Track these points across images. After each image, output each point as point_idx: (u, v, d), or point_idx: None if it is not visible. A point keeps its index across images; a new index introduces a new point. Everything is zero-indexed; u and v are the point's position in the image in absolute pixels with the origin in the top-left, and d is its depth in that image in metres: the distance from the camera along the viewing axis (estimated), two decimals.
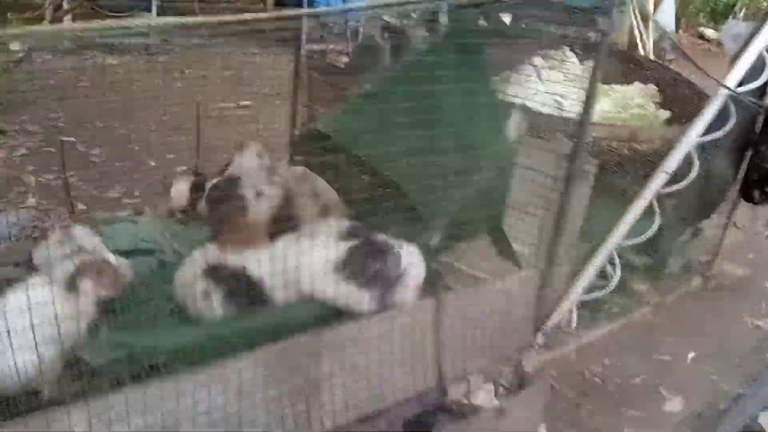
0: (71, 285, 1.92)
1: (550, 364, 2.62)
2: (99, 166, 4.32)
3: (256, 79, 3.65)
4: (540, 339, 2.58)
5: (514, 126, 2.34)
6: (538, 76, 2.73)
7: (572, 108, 2.52)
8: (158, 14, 7.00)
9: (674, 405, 2.56)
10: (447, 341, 2.27)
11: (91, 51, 6.58)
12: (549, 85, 2.55)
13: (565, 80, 2.52)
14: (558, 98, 2.59)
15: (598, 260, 2.61)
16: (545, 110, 2.52)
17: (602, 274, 2.73)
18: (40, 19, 5.17)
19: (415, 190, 2.02)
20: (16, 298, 1.79)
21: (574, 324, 2.74)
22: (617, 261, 2.71)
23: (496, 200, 2.36)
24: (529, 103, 2.48)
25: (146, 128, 3.64)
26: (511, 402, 2.45)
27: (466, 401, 2.34)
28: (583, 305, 2.78)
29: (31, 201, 4.36)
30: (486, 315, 2.37)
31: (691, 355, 2.90)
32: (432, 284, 2.24)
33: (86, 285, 1.94)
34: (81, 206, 3.70)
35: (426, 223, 2.14)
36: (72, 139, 4.77)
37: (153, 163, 4.23)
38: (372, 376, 2.11)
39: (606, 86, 3.30)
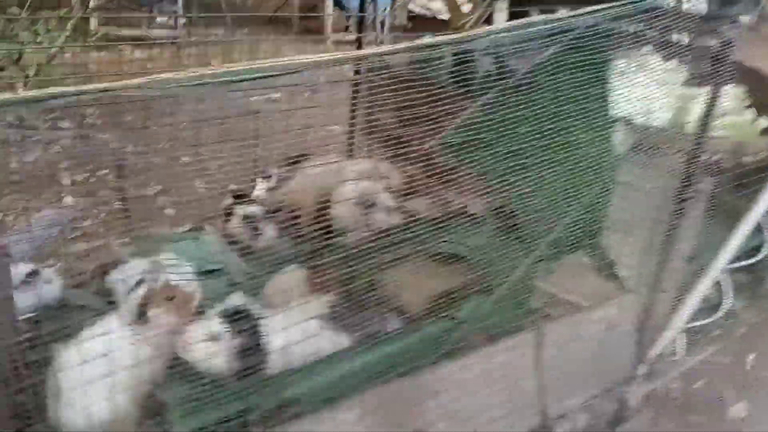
0: (141, 316, 1.75)
1: (653, 395, 2.43)
2: (131, 164, 4.18)
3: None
4: (643, 370, 2.38)
5: (620, 139, 2.11)
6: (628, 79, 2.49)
7: (662, 116, 2.30)
8: (184, 7, 6.78)
9: None
10: (548, 377, 2.08)
11: (120, 45, 6.44)
12: (635, 89, 2.32)
13: (650, 83, 2.30)
14: (645, 104, 2.36)
15: (705, 284, 2.39)
16: (640, 120, 2.29)
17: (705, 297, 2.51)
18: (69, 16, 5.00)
19: (524, 210, 1.81)
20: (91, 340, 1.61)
21: (679, 352, 2.53)
22: (728, 284, 2.49)
23: (597, 218, 2.14)
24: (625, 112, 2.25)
25: (177, 123, 3.45)
26: None
27: None
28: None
29: (68, 200, 4.22)
30: (587, 346, 2.18)
31: None
32: (532, 315, 2.04)
33: (156, 314, 1.76)
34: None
35: (530, 245, 1.94)
36: (106, 136, 4.60)
37: (186, 159, 4.07)
38: (474, 420, 1.93)
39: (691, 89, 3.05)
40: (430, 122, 1.64)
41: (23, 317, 1.82)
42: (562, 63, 1.72)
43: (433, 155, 1.69)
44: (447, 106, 1.68)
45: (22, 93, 0.89)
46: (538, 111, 1.69)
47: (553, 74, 1.69)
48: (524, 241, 1.96)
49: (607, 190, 2.12)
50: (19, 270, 2.00)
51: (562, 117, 1.76)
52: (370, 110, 3.26)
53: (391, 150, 1.57)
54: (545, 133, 1.73)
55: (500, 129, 1.63)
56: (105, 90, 0.92)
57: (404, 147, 1.62)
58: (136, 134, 3.60)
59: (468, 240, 1.84)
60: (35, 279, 2.01)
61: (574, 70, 1.74)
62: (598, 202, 2.12)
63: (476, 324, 1.90)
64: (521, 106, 1.65)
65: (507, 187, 1.76)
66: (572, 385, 2.18)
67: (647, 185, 2.21)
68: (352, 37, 7.23)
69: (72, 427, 1.56)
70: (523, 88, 1.66)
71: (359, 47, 3.19)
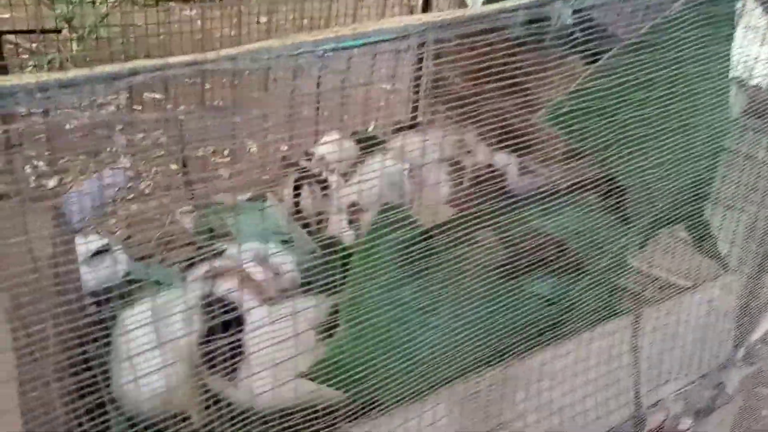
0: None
1: (750, 381, 2.26)
2: (185, 124, 4.13)
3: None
4: (741, 354, 2.20)
5: (734, 102, 1.88)
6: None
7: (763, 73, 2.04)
8: None
9: None
10: (644, 363, 1.93)
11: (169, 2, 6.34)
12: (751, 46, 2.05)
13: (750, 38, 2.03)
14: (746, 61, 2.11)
15: None
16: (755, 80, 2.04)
17: None
18: None
19: (634, 185, 1.63)
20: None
21: None
22: None
23: (703, 190, 1.94)
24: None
25: (228, 82, 3.35)
26: (703, 425, 2.13)
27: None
28: None
29: (123, 161, 4.19)
30: (686, 330, 2.00)
31: None
32: (630, 297, 1.88)
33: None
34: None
35: (633, 222, 1.76)
36: (157, 95, 4.55)
37: (238, 119, 3.98)
38: (565, 411, 1.79)
39: None
40: (522, 91, 1.46)
41: (88, 293, 1.74)
42: (685, 19, 1.49)
43: (530, 127, 1.50)
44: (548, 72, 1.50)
45: (105, 68, 0.76)
46: (657, 76, 1.48)
47: (674, 33, 1.47)
48: (626, 217, 1.77)
49: (717, 158, 1.91)
50: (89, 245, 1.92)
51: (681, 82, 1.55)
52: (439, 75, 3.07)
53: (474, 119, 1.38)
54: (663, 100, 1.52)
55: (613, 98, 1.43)
56: (193, 63, 0.77)
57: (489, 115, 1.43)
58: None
59: (564, 218, 1.66)
60: (104, 255, 1.93)
61: (697, 27, 1.52)
62: (706, 171, 1.91)
63: (571, 307, 1.75)
64: (637, 71, 1.44)
65: (616, 160, 1.57)
66: (668, 371, 2.01)
67: (761, 153, 1.99)
68: None
69: (129, 397, 1.48)
70: (643, 50, 1.44)
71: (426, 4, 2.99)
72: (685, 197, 1.91)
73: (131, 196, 3.75)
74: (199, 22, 3.67)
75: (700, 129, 1.70)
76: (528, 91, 1.75)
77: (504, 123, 1.48)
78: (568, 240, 1.65)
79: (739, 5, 1.91)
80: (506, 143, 1.49)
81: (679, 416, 2.06)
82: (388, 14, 3.68)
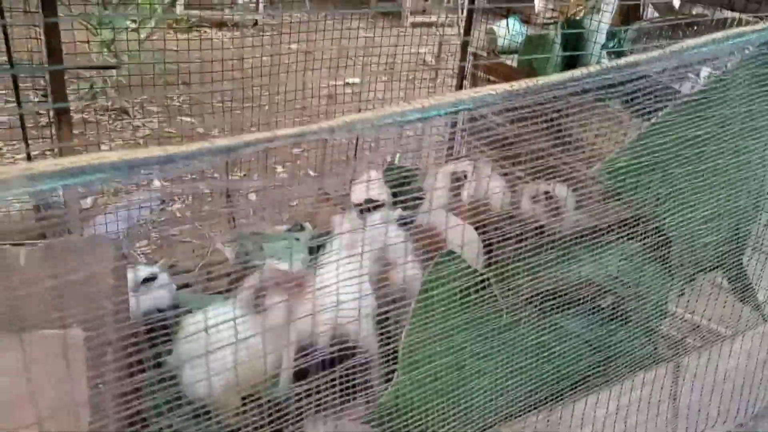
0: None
1: None
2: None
3: (361, 55, 3.33)
4: None
5: None
6: None
7: None
8: None
9: None
10: (683, 411, 1.93)
11: (203, 28, 6.47)
12: None
13: None
14: None
15: None
16: None
17: None
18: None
19: (681, 235, 1.66)
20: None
21: None
22: None
23: (743, 239, 1.96)
24: None
25: (261, 108, 3.42)
26: None
27: None
28: None
29: (156, 184, 4.25)
30: (724, 378, 2.01)
31: None
32: (671, 344, 1.89)
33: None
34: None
35: (675, 270, 1.78)
36: (192, 120, 4.65)
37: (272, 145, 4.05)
38: None
39: None
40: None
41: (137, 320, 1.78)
42: (737, 79, 1.53)
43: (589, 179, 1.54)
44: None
45: (221, 141, 0.80)
46: (707, 132, 1.51)
47: (725, 92, 1.51)
48: (669, 264, 1.79)
49: (757, 206, 1.93)
50: (138, 273, 1.97)
51: (730, 138, 1.58)
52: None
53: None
54: (712, 155, 1.55)
55: (666, 154, 1.47)
56: (299, 135, 0.82)
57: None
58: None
59: (609, 266, 1.69)
60: (152, 283, 1.98)
61: (747, 86, 1.55)
62: (747, 222, 1.93)
63: (613, 354, 1.77)
64: (689, 128, 1.48)
65: (665, 211, 1.60)
66: (706, 419, 2.02)
67: None
68: (431, 18, 7.12)
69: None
70: (695, 108, 1.48)
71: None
72: (727, 246, 1.93)
73: (163, 218, 3.81)
74: (231, 47, 3.75)
75: (744, 182, 1.73)
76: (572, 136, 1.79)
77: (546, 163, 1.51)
78: (610, 284, 1.68)
79: None
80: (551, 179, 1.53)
81: None
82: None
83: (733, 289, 2.07)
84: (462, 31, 3.44)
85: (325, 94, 3.47)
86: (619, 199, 1.56)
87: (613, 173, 1.44)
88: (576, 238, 1.54)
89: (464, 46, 3.13)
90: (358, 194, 2.47)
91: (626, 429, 1.81)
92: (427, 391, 1.34)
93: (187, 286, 2.28)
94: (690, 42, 1.32)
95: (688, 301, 2.03)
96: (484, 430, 1.52)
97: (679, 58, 1.39)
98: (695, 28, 3.01)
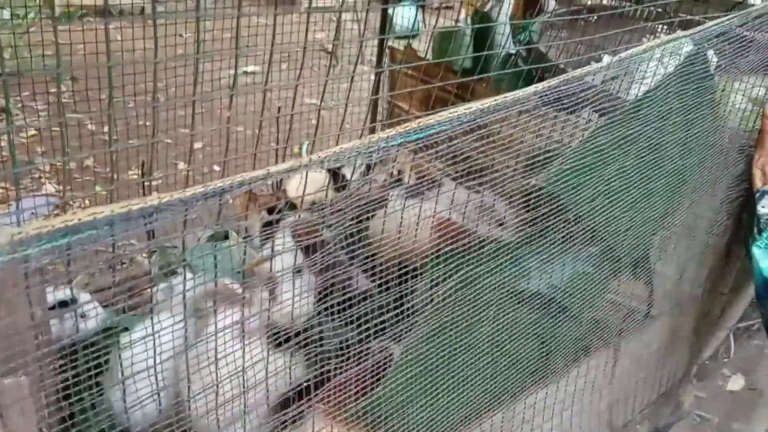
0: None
1: (703, 394, 2.45)
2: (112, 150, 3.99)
3: (260, 43, 3.25)
4: (694, 371, 2.39)
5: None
6: None
7: None
8: None
9: None
10: (618, 390, 2.06)
11: (86, 17, 6.03)
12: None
13: None
14: None
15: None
16: None
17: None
18: None
19: (615, 237, 1.75)
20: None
21: (731, 352, 2.55)
22: None
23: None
24: None
25: (152, 102, 3.25)
26: None
27: None
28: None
29: (49, 187, 3.98)
30: (652, 354, 2.16)
31: None
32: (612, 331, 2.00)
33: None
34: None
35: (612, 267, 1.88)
36: (79, 116, 4.35)
37: (168, 141, 3.92)
38: None
39: None
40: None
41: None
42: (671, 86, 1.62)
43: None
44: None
45: (220, 183, 0.74)
46: (642, 135, 1.60)
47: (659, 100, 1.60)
48: (608, 264, 1.88)
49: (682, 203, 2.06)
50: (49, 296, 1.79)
51: (663, 143, 1.68)
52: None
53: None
54: (648, 156, 1.64)
55: (601, 157, 1.54)
56: (291, 169, 0.78)
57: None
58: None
59: (554, 276, 1.75)
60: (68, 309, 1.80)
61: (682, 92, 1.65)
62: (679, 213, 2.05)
63: (563, 350, 1.85)
64: (624, 134, 1.56)
65: (600, 212, 1.67)
66: (636, 393, 2.17)
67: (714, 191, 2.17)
68: (326, 2, 7.00)
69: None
70: (633, 114, 1.56)
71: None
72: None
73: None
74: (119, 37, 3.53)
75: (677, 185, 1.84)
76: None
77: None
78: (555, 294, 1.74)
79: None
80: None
81: None
82: None
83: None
84: (360, 15, 3.40)
85: (225, 84, 3.33)
86: (561, 204, 1.61)
87: (558, 178, 1.49)
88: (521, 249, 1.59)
89: (381, 42, 3.11)
90: (294, 190, 2.36)
91: (572, 414, 1.91)
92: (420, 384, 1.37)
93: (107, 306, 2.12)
94: (635, 49, 1.38)
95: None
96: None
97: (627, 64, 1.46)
98: (595, 19, 3.16)
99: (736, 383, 2.55)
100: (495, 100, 1.20)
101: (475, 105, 1.17)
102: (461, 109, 1.13)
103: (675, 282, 2.16)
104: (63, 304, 1.79)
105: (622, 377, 2.07)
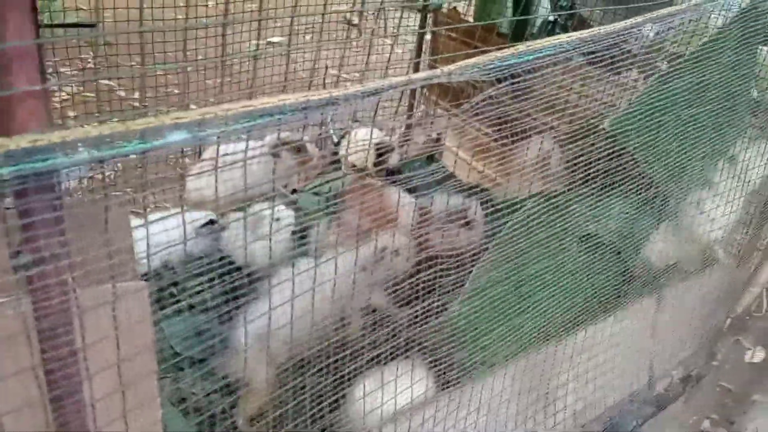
0: None
1: (728, 359, 2.53)
2: (141, 112, 4.03)
3: (283, 13, 3.24)
4: (727, 324, 2.47)
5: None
6: None
7: None
8: None
9: None
10: (659, 338, 2.15)
11: None
12: None
13: None
14: None
15: None
16: None
17: None
18: None
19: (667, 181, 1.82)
20: None
21: (765, 308, 2.63)
22: None
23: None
24: None
25: (180, 68, 3.30)
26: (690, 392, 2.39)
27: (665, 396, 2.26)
28: None
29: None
30: (694, 307, 2.24)
31: None
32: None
33: None
34: None
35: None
36: (110, 82, 4.42)
37: (194, 107, 3.95)
38: (597, 380, 1.98)
39: None
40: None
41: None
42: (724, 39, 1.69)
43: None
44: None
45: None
46: (698, 88, 1.67)
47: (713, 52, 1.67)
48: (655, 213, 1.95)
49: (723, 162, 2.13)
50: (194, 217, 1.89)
51: (716, 95, 1.75)
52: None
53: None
54: (707, 105, 1.71)
55: (664, 108, 1.61)
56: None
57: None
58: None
59: (609, 220, 1.82)
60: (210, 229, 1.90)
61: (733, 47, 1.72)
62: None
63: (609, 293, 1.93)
64: (684, 84, 1.63)
65: (657, 159, 1.75)
66: (677, 344, 2.25)
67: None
68: None
69: None
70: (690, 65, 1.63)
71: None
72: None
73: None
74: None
75: (718, 134, 1.91)
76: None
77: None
78: (606, 234, 1.82)
79: None
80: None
81: (680, 382, 2.31)
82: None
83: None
84: None
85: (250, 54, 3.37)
86: (625, 153, 1.68)
87: (623, 126, 1.56)
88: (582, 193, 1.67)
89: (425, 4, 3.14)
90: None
91: (614, 355, 2.00)
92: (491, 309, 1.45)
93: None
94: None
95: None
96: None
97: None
98: None
99: (757, 356, 2.62)
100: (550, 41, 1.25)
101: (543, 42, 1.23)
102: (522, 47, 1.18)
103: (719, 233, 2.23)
104: (211, 222, 1.88)
105: (664, 324, 2.15)
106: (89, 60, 4.34)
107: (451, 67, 1.05)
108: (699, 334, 2.35)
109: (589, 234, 1.77)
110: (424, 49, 3.23)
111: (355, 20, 5.59)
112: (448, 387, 1.57)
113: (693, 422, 2.35)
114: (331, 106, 0.85)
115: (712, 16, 1.76)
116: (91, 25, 3.55)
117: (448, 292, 1.41)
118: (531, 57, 1.06)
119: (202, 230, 1.83)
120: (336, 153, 2.79)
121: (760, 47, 1.81)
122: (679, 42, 1.77)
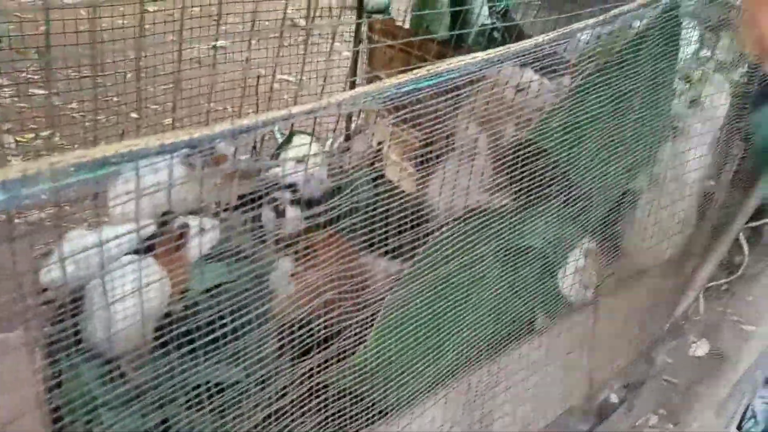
0: None
1: (672, 353, 2.53)
2: (81, 123, 3.89)
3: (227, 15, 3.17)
4: (666, 328, 2.46)
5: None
6: None
7: None
8: None
9: None
10: (599, 347, 2.12)
11: None
12: None
13: None
14: None
15: (724, 246, 2.48)
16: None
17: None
18: None
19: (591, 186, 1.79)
20: None
21: (701, 311, 2.64)
22: (744, 244, 2.59)
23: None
24: None
25: (120, 76, 3.18)
26: (631, 397, 2.38)
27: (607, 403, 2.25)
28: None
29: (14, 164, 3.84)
30: (633, 313, 2.22)
31: None
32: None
33: None
34: None
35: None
36: (45, 92, 4.25)
37: (135, 115, 3.84)
38: (536, 397, 1.95)
39: None
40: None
41: None
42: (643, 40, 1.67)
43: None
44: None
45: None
46: (620, 92, 1.64)
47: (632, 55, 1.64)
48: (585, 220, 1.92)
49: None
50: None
51: (636, 97, 1.73)
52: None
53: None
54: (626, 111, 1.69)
55: (587, 113, 1.58)
56: (313, 110, 0.78)
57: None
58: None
59: (541, 230, 1.78)
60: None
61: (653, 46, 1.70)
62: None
63: (547, 306, 1.89)
64: (606, 88, 1.60)
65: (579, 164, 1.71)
66: (616, 351, 2.23)
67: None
68: None
69: None
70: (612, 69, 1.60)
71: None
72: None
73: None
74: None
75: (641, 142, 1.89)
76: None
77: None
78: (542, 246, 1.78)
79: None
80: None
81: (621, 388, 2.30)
82: None
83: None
84: None
85: (195, 59, 3.24)
86: (548, 158, 1.64)
87: (544, 133, 1.53)
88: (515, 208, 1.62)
89: (359, 14, 3.08)
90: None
91: (553, 369, 1.97)
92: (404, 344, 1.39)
93: None
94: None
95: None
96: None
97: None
98: None
99: (701, 349, 2.64)
100: (486, 54, 1.22)
101: (467, 58, 1.19)
102: (455, 61, 1.14)
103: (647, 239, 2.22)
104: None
105: (602, 335, 2.13)
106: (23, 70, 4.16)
107: (344, 95, 0.98)
108: (637, 342, 2.34)
109: (517, 246, 1.73)
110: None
111: (301, 22, 5.50)
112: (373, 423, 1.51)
113: (639, 423, 2.34)
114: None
115: (636, 22, 1.75)
116: None
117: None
118: (430, 83, 1.00)
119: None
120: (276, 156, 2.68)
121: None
122: (604, 48, 1.75)
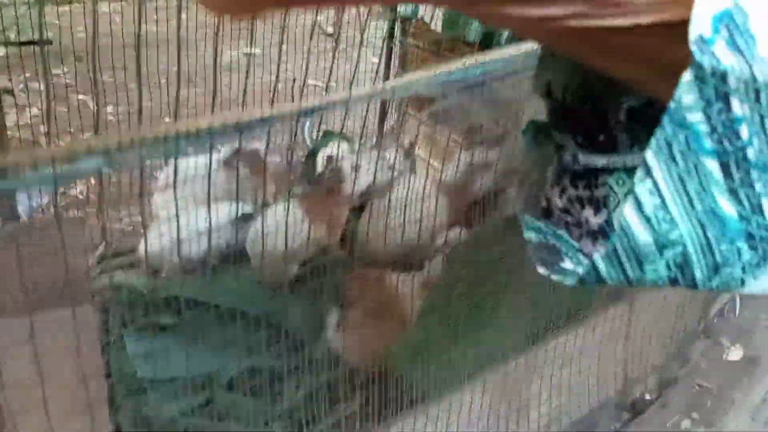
0: None
1: (706, 357, 2.52)
2: (115, 126, 3.97)
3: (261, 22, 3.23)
4: (701, 326, 2.46)
5: None
6: None
7: None
8: None
9: None
10: (633, 344, 2.13)
11: None
12: None
13: None
14: None
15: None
16: None
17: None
18: None
19: None
20: None
21: (737, 311, 2.63)
22: None
23: None
24: None
25: (155, 82, 3.26)
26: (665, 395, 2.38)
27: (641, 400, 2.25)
28: None
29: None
30: (671, 310, 2.23)
31: None
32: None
33: None
34: None
35: None
36: (82, 96, 4.36)
37: (168, 120, 3.92)
38: (571, 388, 1.97)
39: None
40: None
41: None
42: None
43: None
44: None
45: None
46: None
47: None
48: None
49: None
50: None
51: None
52: None
53: None
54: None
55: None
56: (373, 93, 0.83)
57: None
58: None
59: None
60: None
61: None
62: None
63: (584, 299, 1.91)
64: None
65: None
66: (651, 348, 2.24)
67: None
68: None
69: None
70: None
71: None
72: None
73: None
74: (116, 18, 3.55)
75: None
76: None
77: None
78: None
79: None
80: None
81: (654, 387, 2.30)
82: None
83: None
84: None
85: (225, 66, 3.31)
86: None
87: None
88: None
89: (393, 17, 3.12)
90: None
91: (589, 362, 1.99)
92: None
93: None
94: None
95: None
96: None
97: None
98: None
99: (734, 353, 2.62)
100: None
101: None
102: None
103: None
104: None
105: (637, 329, 2.13)
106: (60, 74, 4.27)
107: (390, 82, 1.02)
108: (672, 338, 2.34)
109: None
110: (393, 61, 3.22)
111: (330, 30, 5.58)
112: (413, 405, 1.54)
113: (672, 423, 2.34)
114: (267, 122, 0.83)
115: None
116: (48, 42, 3.49)
117: None
118: (477, 71, 1.04)
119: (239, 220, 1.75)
120: (309, 162, 2.73)
121: None
122: None
